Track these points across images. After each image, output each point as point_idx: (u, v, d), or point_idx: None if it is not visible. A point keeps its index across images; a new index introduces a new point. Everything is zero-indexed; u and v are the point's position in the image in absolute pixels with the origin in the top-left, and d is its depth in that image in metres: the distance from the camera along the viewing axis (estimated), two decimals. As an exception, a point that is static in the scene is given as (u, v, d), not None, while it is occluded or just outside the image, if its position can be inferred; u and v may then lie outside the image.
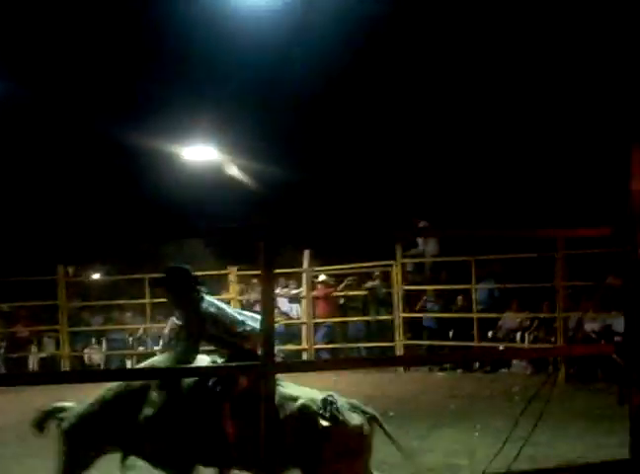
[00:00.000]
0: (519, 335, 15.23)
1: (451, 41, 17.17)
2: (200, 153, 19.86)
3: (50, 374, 5.40)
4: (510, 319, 15.46)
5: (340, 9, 15.24)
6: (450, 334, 16.01)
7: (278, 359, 4.54)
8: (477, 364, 15.15)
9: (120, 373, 5.36)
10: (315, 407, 5.41)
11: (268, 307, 3.77)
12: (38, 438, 6.24)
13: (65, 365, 17.72)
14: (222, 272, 17.78)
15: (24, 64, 17.90)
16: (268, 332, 3.74)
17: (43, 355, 18.46)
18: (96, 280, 22.88)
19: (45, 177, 21.40)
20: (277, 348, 4.32)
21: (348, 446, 5.34)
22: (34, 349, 18.48)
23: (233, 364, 5.18)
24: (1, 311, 18.55)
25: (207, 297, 6.24)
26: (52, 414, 6.22)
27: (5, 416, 11.16)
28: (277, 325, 15.64)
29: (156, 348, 18.05)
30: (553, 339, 14.40)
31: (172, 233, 5.25)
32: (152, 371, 5.48)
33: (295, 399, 5.53)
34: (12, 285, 18.49)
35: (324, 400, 5.39)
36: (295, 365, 5.12)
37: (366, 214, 20.33)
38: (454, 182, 20.02)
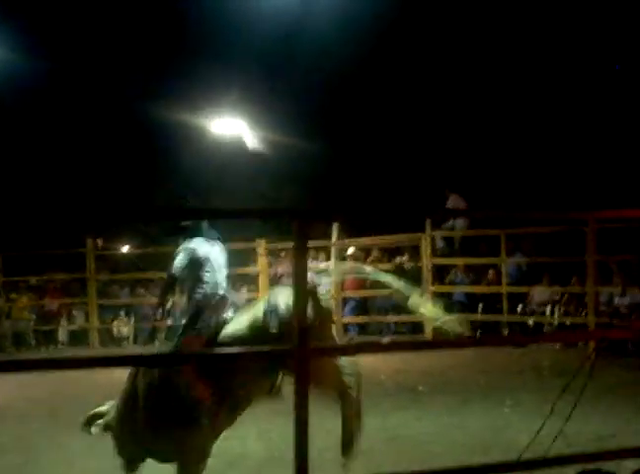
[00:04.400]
0: (548, 309, 15.13)
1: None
2: (227, 126, 19.81)
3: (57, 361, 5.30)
4: (539, 293, 15.36)
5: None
6: (480, 307, 15.93)
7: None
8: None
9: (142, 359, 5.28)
10: None
11: (301, 288, 3.68)
12: (68, 414, 6.31)
13: (94, 338, 17.84)
14: (250, 245, 17.68)
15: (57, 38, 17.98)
16: (301, 314, 3.66)
17: (74, 327, 18.56)
18: (124, 254, 22.83)
19: (75, 151, 21.46)
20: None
21: None
22: (63, 321, 18.57)
23: (266, 349, 5.10)
24: (30, 285, 18.65)
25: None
26: (93, 421, 6.34)
27: (37, 390, 11.21)
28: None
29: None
30: (584, 313, 14.29)
31: (201, 212, 5.17)
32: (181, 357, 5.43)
33: None
34: (40, 258, 18.57)
35: None
36: (330, 350, 5.03)
37: (398, 184, 20.21)
38: (487, 153, 19.89)
